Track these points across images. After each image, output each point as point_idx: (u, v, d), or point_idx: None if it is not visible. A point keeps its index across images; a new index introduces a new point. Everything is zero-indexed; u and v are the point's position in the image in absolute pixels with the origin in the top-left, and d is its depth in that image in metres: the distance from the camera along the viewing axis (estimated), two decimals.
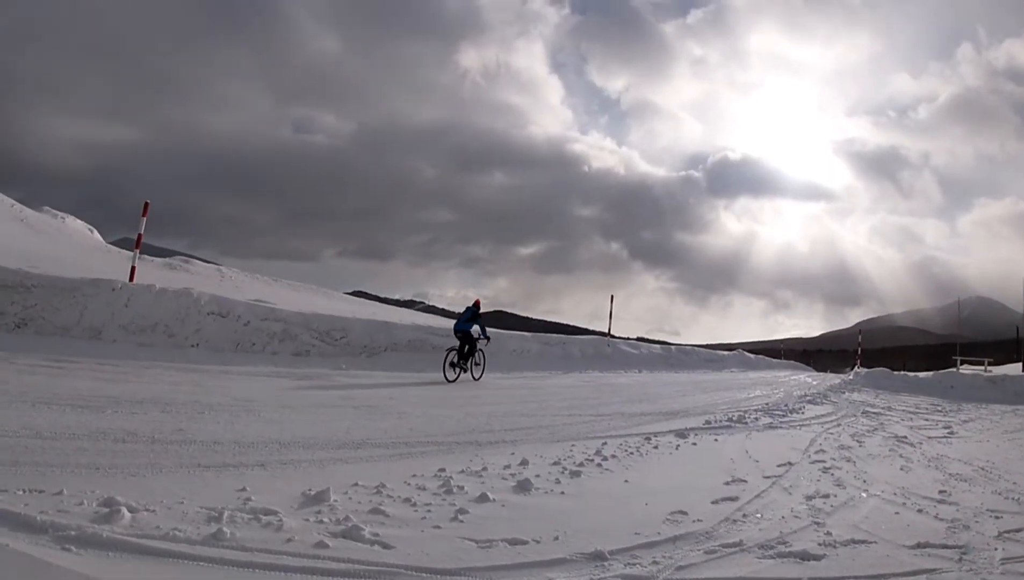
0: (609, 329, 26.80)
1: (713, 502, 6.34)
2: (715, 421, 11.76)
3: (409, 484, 6.06)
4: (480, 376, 17.16)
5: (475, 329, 17.19)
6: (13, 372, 10.26)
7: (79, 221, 33.36)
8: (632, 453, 8.41)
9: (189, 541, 4.22)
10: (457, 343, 16.72)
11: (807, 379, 27.35)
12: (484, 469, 6.88)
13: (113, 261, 23.98)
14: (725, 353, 34.92)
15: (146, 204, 16.61)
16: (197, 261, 29.30)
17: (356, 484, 5.84)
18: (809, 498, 6.69)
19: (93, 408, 8.18)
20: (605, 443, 8.81)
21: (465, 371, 16.69)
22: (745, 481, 7.28)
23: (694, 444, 9.57)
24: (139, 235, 16.78)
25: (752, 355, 37.69)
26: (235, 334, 16.16)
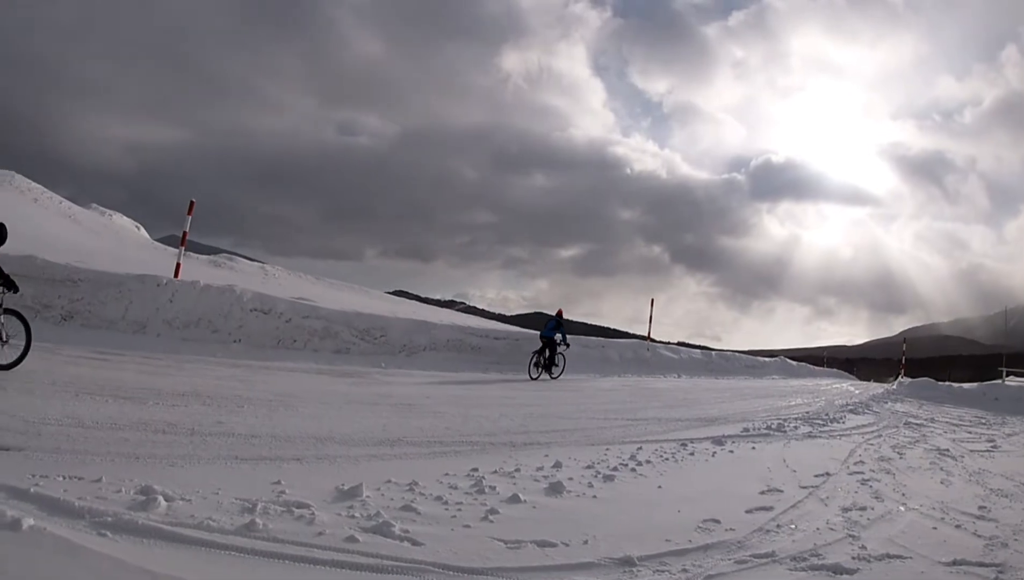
0: (649, 333, 26.58)
1: (747, 511, 6.25)
2: (753, 429, 11.62)
3: (441, 482, 6.06)
4: (558, 376, 19.10)
5: (557, 336, 19.32)
6: (58, 363, 10.37)
7: (126, 218, 34.02)
8: (667, 459, 8.34)
9: (222, 531, 4.27)
10: (540, 346, 18.92)
11: (849, 388, 27.07)
12: (517, 470, 6.85)
13: (159, 257, 24.41)
14: (767, 359, 34.96)
15: (192, 203, 16.90)
16: (241, 258, 29.72)
17: (389, 481, 5.86)
18: (845, 510, 6.56)
19: (135, 399, 8.29)
20: (640, 448, 8.74)
21: (547, 372, 18.84)
22: (781, 491, 7.17)
23: (731, 451, 9.45)
24: (184, 233, 17.09)
25: (794, 362, 37.43)
26: (277, 331, 16.38)
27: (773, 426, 12.07)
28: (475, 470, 6.62)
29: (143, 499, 4.57)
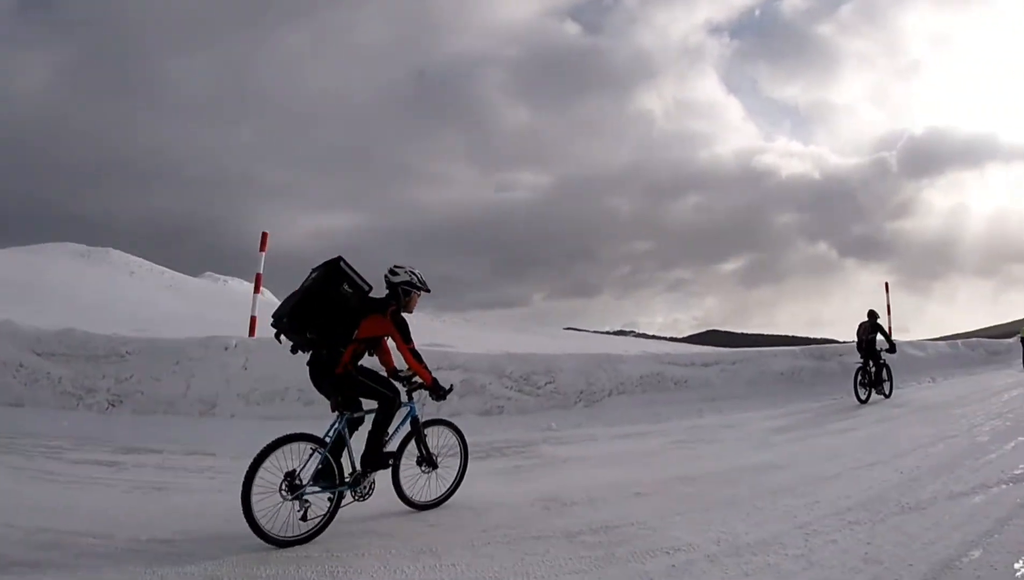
0: (889, 329, 20.27)
1: None
2: None
3: None
4: (890, 392, 15.73)
5: (879, 340, 15.87)
6: (26, 479, 6.91)
7: (245, 283, 31.13)
8: None
9: None
10: (861, 360, 15.47)
11: None
12: None
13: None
14: (1009, 341, 30.03)
15: (264, 234, 12.42)
16: None
17: None
18: None
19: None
20: None
21: (876, 390, 15.44)
22: None
23: None
24: (257, 275, 12.50)
25: None
26: None
27: None
28: None
29: None
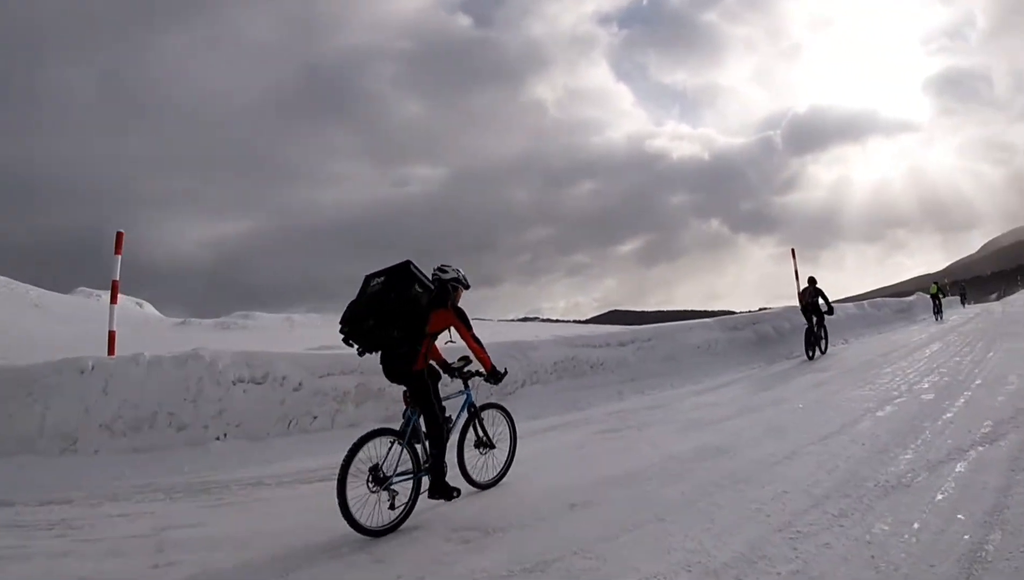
0: (799, 291, 20.27)
1: None
2: None
3: None
4: (826, 349, 17.35)
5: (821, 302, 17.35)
6: None
7: (121, 296, 29.14)
8: None
9: None
10: (808, 321, 16.98)
11: None
12: None
13: (161, 338, 18.90)
14: (910, 298, 32.87)
15: (119, 234, 10.82)
16: (260, 314, 23.88)
17: None
18: None
19: None
20: None
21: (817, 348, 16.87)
22: None
23: None
24: (114, 282, 10.87)
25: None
26: (281, 407, 10.03)
27: None
28: None
29: None
